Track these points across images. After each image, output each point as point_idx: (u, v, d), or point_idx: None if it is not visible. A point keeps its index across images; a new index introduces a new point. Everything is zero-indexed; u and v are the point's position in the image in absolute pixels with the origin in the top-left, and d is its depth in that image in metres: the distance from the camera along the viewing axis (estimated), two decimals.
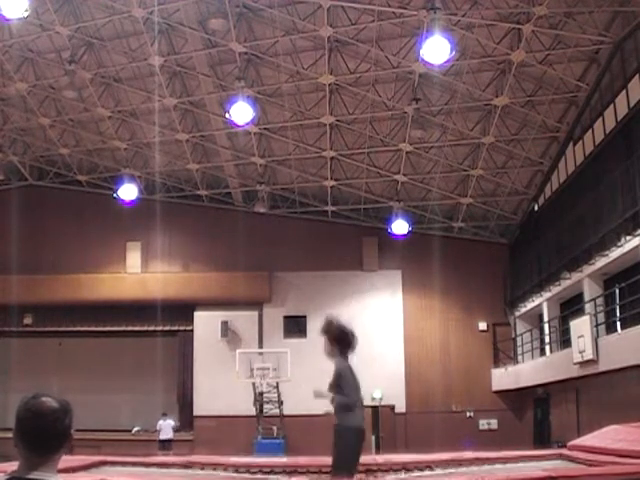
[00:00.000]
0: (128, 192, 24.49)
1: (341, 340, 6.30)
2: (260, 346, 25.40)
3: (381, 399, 24.58)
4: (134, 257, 26.31)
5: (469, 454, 7.89)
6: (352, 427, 6.18)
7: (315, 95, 20.41)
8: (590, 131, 18.68)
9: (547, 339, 21.60)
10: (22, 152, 25.27)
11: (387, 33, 18.02)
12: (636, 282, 15.23)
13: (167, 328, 25.88)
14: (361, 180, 24.14)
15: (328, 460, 6.63)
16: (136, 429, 23.33)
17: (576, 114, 19.54)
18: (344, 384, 6.16)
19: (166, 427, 22.34)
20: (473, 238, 25.88)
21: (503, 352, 25.25)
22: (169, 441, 22.19)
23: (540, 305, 22.33)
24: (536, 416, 22.95)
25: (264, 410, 23.94)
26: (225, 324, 25.49)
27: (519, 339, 24.30)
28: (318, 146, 22.48)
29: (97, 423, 22.67)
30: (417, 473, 7.29)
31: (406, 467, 7.61)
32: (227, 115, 19.72)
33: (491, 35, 17.36)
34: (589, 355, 16.30)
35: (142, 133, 23.23)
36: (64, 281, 25.05)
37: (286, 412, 23.80)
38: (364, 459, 6.99)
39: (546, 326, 21.82)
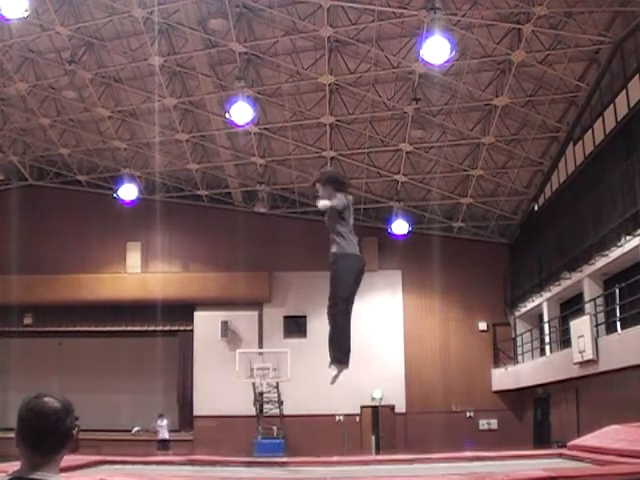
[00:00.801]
0: (128, 192, 24.51)
1: (335, 181, 6.61)
2: (260, 346, 25.39)
3: (381, 399, 24.60)
4: (134, 257, 26.32)
5: (469, 453, 7.89)
6: (349, 253, 6.52)
7: (315, 95, 20.41)
8: (590, 131, 18.68)
9: (547, 339, 21.61)
10: (22, 152, 25.27)
11: (387, 33, 18.02)
12: (636, 282, 15.23)
13: (167, 328, 25.89)
14: (361, 180, 24.13)
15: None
16: (136, 429, 23.31)
17: (576, 114, 19.54)
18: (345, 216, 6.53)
19: (163, 427, 22.44)
20: (473, 238, 25.87)
21: (503, 352, 25.25)
22: (167, 441, 22.30)
23: (540, 305, 22.33)
24: (536, 416, 22.94)
25: (264, 410, 23.93)
26: (225, 324, 25.49)
27: (519, 339, 24.29)
28: (318, 146, 22.48)
29: (97, 423, 22.66)
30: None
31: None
32: (227, 115, 19.73)
33: (491, 35, 17.37)
34: (589, 355, 16.31)
35: (142, 133, 23.23)
36: (64, 281, 25.06)
37: (286, 412, 23.82)
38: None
39: (546, 326, 21.82)
